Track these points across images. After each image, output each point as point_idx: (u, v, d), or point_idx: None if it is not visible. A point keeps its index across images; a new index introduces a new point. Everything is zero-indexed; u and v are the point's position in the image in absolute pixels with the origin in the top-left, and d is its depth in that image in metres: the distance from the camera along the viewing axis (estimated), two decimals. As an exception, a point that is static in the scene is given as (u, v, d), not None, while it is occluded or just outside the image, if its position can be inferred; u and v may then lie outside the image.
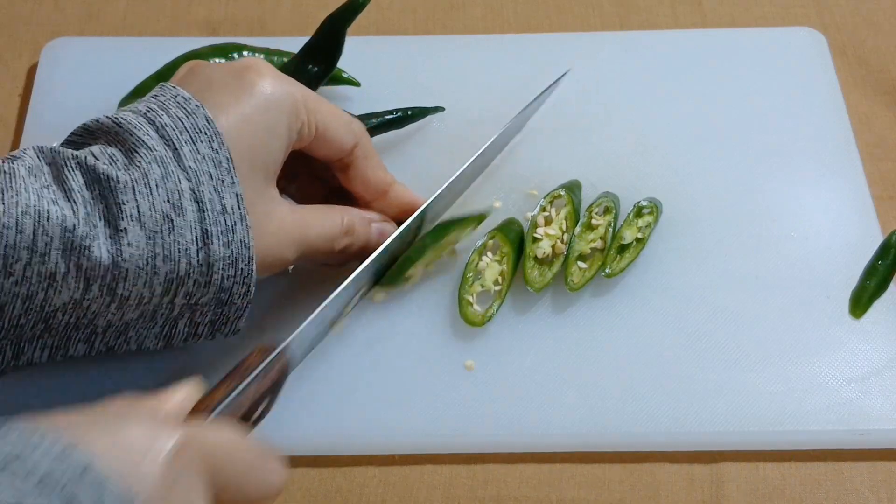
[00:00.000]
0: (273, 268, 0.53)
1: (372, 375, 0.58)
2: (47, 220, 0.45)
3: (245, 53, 0.69)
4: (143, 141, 0.48)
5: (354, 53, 0.70)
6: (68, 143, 0.51)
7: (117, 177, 0.46)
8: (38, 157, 0.47)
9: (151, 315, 0.50)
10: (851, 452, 0.57)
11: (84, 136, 0.50)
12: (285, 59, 0.69)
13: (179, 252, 0.47)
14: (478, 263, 0.60)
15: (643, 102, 0.71)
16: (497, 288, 0.60)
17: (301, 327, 0.51)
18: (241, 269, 0.49)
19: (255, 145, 0.50)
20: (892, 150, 0.70)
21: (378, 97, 0.69)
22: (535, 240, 0.61)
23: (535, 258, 0.60)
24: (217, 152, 0.48)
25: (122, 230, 0.46)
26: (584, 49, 0.74)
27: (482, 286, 0.60)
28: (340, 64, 0.70)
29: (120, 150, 0.48)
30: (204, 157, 0.48)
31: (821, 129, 0.69)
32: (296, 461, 0.56)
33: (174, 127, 0.48)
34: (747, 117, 0.70)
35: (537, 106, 0.67)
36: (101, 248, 0.46)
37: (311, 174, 0.60)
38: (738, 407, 0.57)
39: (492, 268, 0.60)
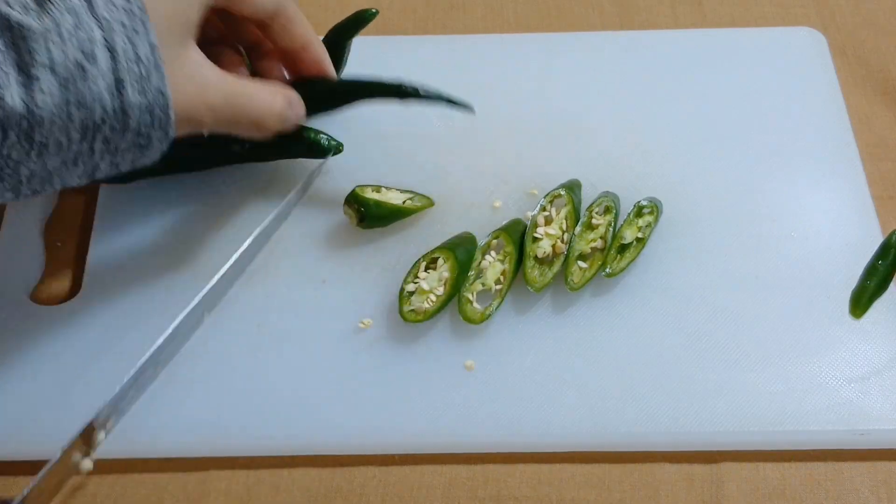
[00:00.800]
0: (188, 127, 0.53)
1: (372, 375, 0.58)
2: None
3: None
4: None
5: (354, 53, 0.70)
6: None
7: (30, 25, 0.47)
8: None
9: (73, 161, 0.50)
10: (851, 452, 0.57)
11: None
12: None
13: (93, 99, 0.48)
14: (480, 262, 0.60)
15: (643, 102, 0.71)
16: (498, 287, 0.60)
17: (46, 470, 0.51)
18: (158, 116, 0.50)
19: (170, 0, 0.52)
20: (892, 150, 0.70)
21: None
22: (536, 239, 0.61)
23: (536, 258, 0.60)
24: (129, 2, 0.49)
25: (34, 77, 0.46)
26: (584, 49, 0.74)
27: (483, 285, 0.60)
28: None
29: (34, 1, 0.48)
30: (116, 7, 0.49)
31: (821, 129, 0.69)
32: (296, 461, 0.56)
33: None
34: (747, 117, 0.70)
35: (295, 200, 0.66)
36: (13, 97, 0.46)
37: (235, 48, 0.62)
38: (738, 407, 0.57)
39: (494, 267, 0.60)
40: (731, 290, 0.62)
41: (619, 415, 0.57)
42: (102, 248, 0.64)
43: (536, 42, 0.75)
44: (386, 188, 0.64)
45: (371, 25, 0.77)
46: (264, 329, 0.60)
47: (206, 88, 0.54)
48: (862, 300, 0.61)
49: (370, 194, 0.63)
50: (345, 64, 0.67)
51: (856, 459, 0.56)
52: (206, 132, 0.56)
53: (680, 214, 0.65)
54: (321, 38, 0.67)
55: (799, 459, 0.56)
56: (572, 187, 0.64)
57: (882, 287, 0.62)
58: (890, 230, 0.64)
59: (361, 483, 0.56)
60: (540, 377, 0.58)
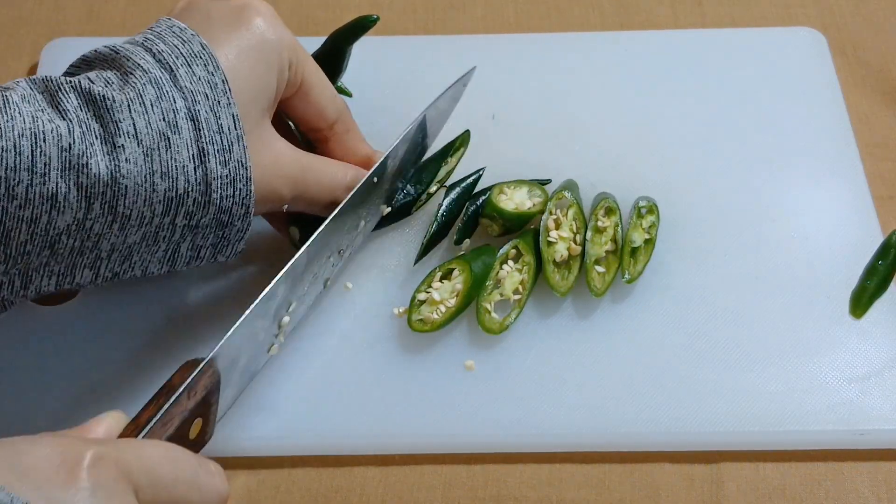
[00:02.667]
0: (267, 201, 0.54)
1: (372, 375, 0.58)
2: (44, 141, 0.45)
3: None
4: (138, 64, 0.49)
5: (354, 53, 0.70)
6: (67, 74, 0.51)
7: (112, 96, 0.47)
8: (30, 85, 0.48)
9: (154, 237, 0.51)
10: (851, 452, 0.57)
11: (82, 66, 0.51)
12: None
13: (177, 169, 0.48)
14: (498, 272, 0.60)
15: (643, 102, 0.71)
16: (517, 297, 0.60)
17: (225, 338, 0.50)
18: (240, 188, 0.50)
19: (251, 77, 0.52)
20: (892, 150, 0.70)
21: (378, 97, 0.69)
22: (550, 243, 0.60)
23: (554, 262, 0.60)
24: (213, 74, 0.50)
25: (119, 146, 0.47)
26: (584, 49, 0.74)
27: (501, 295, 0.60)
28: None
29: (116, 73, 0.49)
30: (199, 79, 0.49)
31: (821, 129, 0.69)
32: (296, 461, 0.56)
33: (170, 52, 0.50)
34: (747, 117, 0.70)
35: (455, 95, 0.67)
36: (99, 165, 0.46)
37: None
38: (738, 407, 0.57)
39: (512, 277, 0.60)
40: (731, 290, 0.62)
41: (619, 415, 0.57)
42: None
43: (536, 42, 0.75)
44: (507, 186, 0.64)
45: (371, 25, 0.78)
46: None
47: (281, 160, 0.54)
48: (862, 300, 0.61)
49: (505, 203, 0.62)
50: (345, 70, 0.67)
51: (856, 459, 0.56)
52: (285, 208, 0.56)
53: (680, 214, 0.65)
54: (318, 37, 0.67)
55: (799, 459, 0.56)
56: (570, 188, 0.64)
57: (882, 287, 0.62)
58: (890, 230, 0.64)
59: (361, 483, 0.56)
60: (540, 377, 0.58)
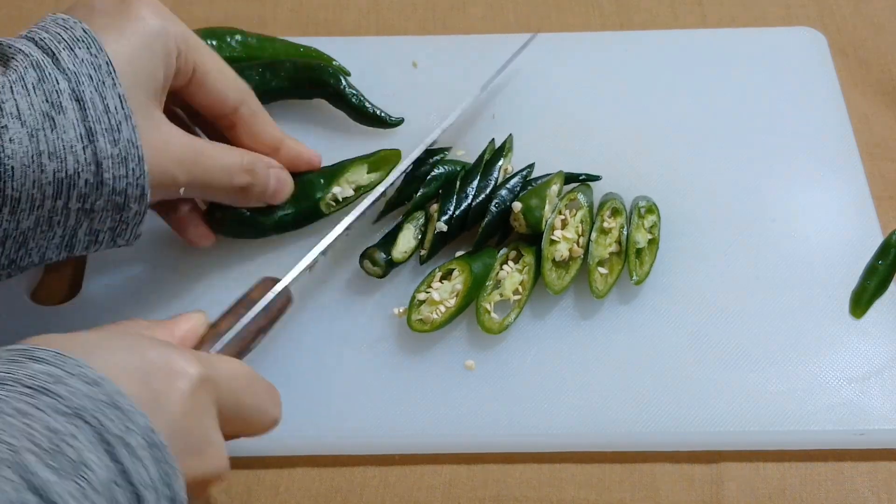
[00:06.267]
0: (162, 186, 0.53)
1: (372, 375, 0.58)
2: None
3: (238, 38, 0.69)
4: (20, 49, 0.49)
5: (354, 53, 0.70)
6: None
7: None
8: None
9: (48, 222, 0.50)
10: (852, 452, 0.57)
11: None
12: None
13: (64, 149, 0.48)
14: (498, 272, 0.60)
15: (643, 102, 0.71)
16: (517, 297, 0.60)
17: (307, 260, 0.54)
18: (132, 168, 0.50)
19: (134, 62, 0.51)
20: (892, 150, 0.70)
21: (378, 97, 0.69)
22: (553, 242, 0.60)
23: (553, 261, 0.60)
24: (96, 57, 0.50)
25: (2, 127, 0.46)
26: (584, 49, 0.74)
27: (501, 295, 0.60)
28: (342, 63, 0.71)
29: None
30: (83, 61, 0.49)
31: (821, 129, 0.69)
32: (296, 461, 0.56)
33: (52, 38, 0.50)
34: (747, 117, 0.70)
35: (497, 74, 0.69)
36: None
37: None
38: (738, 407, 0.57)
39: (512, 277, 0.60)
40: (731, 290, 0.62)
41: (619, 415, 0.57)
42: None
43: (536, 42, 0.75)
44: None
45: (371, 25, 0.78)
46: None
47: (172, 143, 0.54)
48: (862, 300, 0.61)
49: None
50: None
51: (856, 459, 0.56)
52: (181, 193, 0.55)
53: (680, 214, 0.65)
54: (318, 37, 0.67)
55: (799, 459, 0.56)
56: (585, 192, 0.64)
57: (882, 287, 0.62)
58: (890, 230, 0.64)
59: (361, 483, 0.56)
60: (540, 377, 0.58)
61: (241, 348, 0.51)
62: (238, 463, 0.56)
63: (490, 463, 0.56)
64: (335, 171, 0.63)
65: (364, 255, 0.61)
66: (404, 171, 0.63)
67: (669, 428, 0.56)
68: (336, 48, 0.72)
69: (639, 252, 0.62)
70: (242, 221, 0.61)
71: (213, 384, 0.43)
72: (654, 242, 0.62)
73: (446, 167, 0.65)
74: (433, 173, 0.64)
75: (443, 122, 0.62)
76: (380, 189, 0.62)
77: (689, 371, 0.58)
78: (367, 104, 0.68)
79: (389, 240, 0.62)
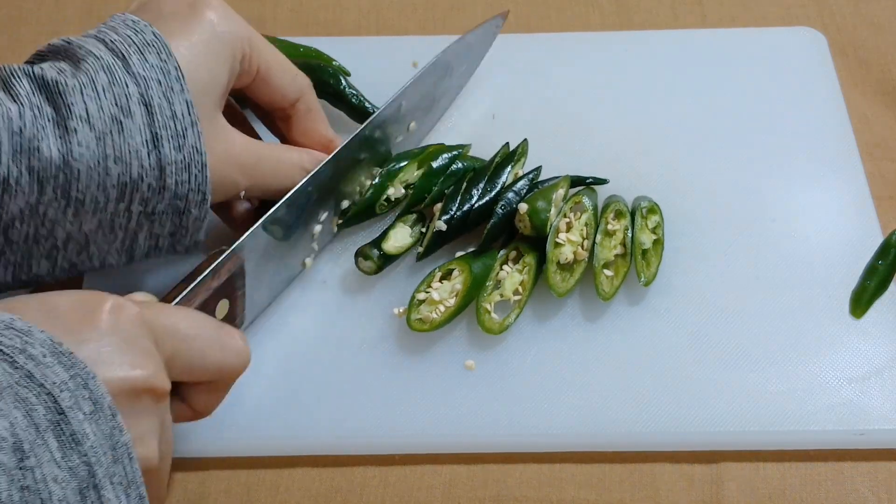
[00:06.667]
0: (223, 190, 0.54)
1: (372, 375, 0.58)
2: None
3: None
4: (91, 52, 0.49)
5: (354, 53, 0.70)
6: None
7: (65, 81, 0.48)
8: None
9: (110, 226, 0.51)
10: (852, 452, 0.57)
11: (36, 60, 0.51)
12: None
13: (130, 153, 0.48)
14: (498, 273, 0.60)
15: (643, 102, 0.71)
16: (517, 297, 0.60)
17: (253, 228, 0.54)
18: (195, 174, 0.50)
19: (202, 68, 0.52)
20: (892, 150, 0.70)
21: (378, 97, 0.69)
22: (558, 245, 0.60)
23: (558, 263, 0.60)
24: (166, 62, 0.50)
25: (71, 130, 0.47)
26: (584, 49, 0.74)
27: (501, 295, 0.60)
28: (342, 63, 0.71)
29: (69, 62, 0.49)
30: (152, 66, 0.50)
31: (821, 129, 0.69)
32: (296, 461, 0.56)
33: (123, 41, 0.50)
34: (747, 117, 0.70)
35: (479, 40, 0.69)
36: (51, 148, 0.46)
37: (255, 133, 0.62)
38: (738, 407, 0.57)
39: (512, 277, 0.60)
40: (731, 290, 0.62)
41: (620, 415, 0.57)
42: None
43: (536, 42, 0.75)
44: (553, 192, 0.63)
45: (371, 25, 0.78)
46: (262, 330, 0.60)
47: (235, 149, 0.54)
48: (862, 300, 0.61)
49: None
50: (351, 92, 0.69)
51: (856, 459, 0.56)
52: (242, 196, 0.56)
53: (680, 214, 0.65)
54: (318, 37, 0.67)
55: (799, 459, 0.56)
56: (590, 195, 0.64)
57: (882, 287, 0.62)
58: (890, 230, 0.64)
59: (361, 483, 0.56)
60: (540, 377, 0.58)
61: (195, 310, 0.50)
62: (238, 463, 0.56)
63: (490, 463, 0.56)
64: (391, 173, 0.63)
65: (358, 253, 0.61)
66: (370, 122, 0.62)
67: (669, 428, 0.56)
68: (336, 48, 0.72)
69: (644, 253, 0.62)
70: None
71: (133, 311, 0.42)
72: (658, 243, 0.62)
73: (464, 163, 0.65)
74: (452, 168, 0.65)
75: (403, 86, 0.63)
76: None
77: (689, 371, 0.58)
78: (367, 104, 0.68)
79: (381, 237, 0.62)
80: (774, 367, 0.59)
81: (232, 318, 0.54)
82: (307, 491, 0.56)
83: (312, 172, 0.58)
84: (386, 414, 0.57)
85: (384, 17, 0.78)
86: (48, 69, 0.48)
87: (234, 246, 0.53)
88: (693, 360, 0.59)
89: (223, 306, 0.53)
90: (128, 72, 0.49)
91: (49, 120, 0.47)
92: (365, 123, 0.61)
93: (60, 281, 0.53)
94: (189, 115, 0.50)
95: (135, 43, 0.50)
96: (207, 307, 0.51)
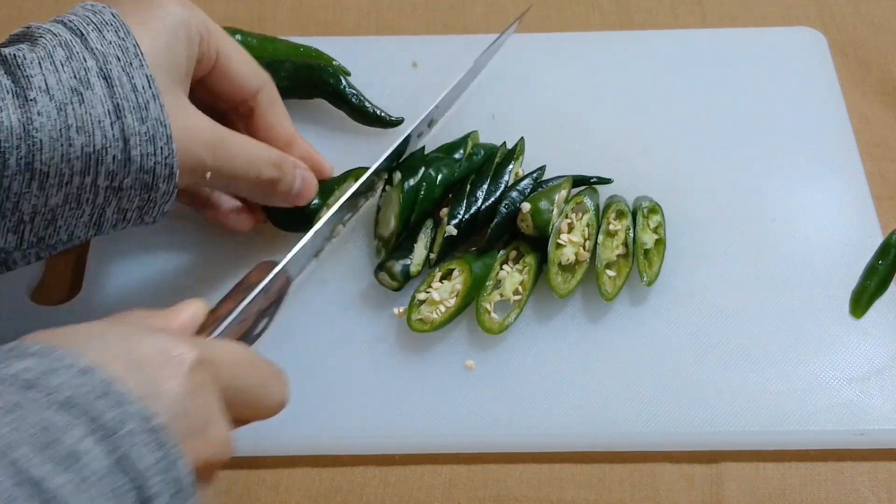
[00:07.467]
0: (189, 168, 0.53)
1: (372, 375, 0.58)
2: None
3: (237, 38, 0.69)
4: (49, 30, 0.50)
5: (354, 53, 0.70)
6: None
7: (23, 55, 0.48)
8: None
9: (77, 200, 0.50)
10: (852, 452, 0.57)
11: None
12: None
13: (92, 123, 0.48)
14: (498, 273, 0.60)
15: (644, 102, 0.71)
16: (517, 297, 0.60)
17: (301, 244, 0.55)
18: (161, 147, 0.50)
19: (158, 45, 0.52)
20: (892, 150, 0.70)
21: (378, 97, 0.69)
22: (559, 246, 0.60)
23: (559, 264, 0.60)
24: (124, 39, 0.50)
25: (31, 100, 0.47)
26: (584, 49, 0.74)
27: (501, 295, 0.60)
28: (342, 63, 0.71)
29: (27, 43, 0.50)
30: (111, 43, 0.50)
31: (821, 129, 0.69)
32: (296, 461, 0.56)
33: (80, 21, 0.51)
34: (747, 117, 0.70)
35: (493, 52, 0.70)
36: (10, 117, 0.46)
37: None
38: (738, 407, 0.57)
39: (512, 277, 0.60)
40: (731, 290, 0.62)
41: (620, 415, 0.57)
42: (102, 249, 0.64)
43: (536, 42, 0.75)
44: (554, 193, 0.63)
45: (371, 25, 0.78)
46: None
47: (199, 125, 0.54)
48: (862, 300, 0.61)
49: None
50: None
51: (856, 459, 0.56)
52: (207, 178, 0.55)
53: (680, 214, 0.65)
54: (318, 37, 0.67)
55: (799, 459, 0.56)
56: (591, 195, 0.64)
57: (882, 287, 0.62)
58: (890, 230, 0.64)
59: (361, 483, 0.56)
60: (540, 377, 0.58)
61: (242, 332, 0.51)
62: (238, 463, 0.56)
63: (490, 463, 0.56)
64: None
65: (381, 268, 0.61)
66: (395, 148, 0.63)
67: (669, 428, 0.56)
68: (336, 48, 0.72)
69: (646, 253, 0.62)
70: (305, 215, 0.61)
71: (213, 366, 0.42)
72: (660, 242, 0.62)
73: (482, 150, 0.65)
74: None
75: (435, 99, 0.64)
76: (371, 170, 0.62)
77: (689, 371, 0.58)
78: (367, 104, 0.68)
79: (405, 251, 0.61)
80: (774, 367, 0.59)
81: (265, 330, 0.54)
82: (307, 491, 0.56)
83: (366, 174, 0.60)
84: (386, 414, 0.57)
85: (384, 17, 0.78)
86: (5, 49, 0.49)
87: (284, 262, 0.53)
88: (693, 360, 0.59)
89: (265, 323, 0.53)
90: (86, 47, 0.49)
91: (7, 91, 0.47)
92: (418, 120, 0.64)
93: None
94: (150, 88, 0.50)
95: (92, 22, 0.50)
96: (254, 326, 0.52)
